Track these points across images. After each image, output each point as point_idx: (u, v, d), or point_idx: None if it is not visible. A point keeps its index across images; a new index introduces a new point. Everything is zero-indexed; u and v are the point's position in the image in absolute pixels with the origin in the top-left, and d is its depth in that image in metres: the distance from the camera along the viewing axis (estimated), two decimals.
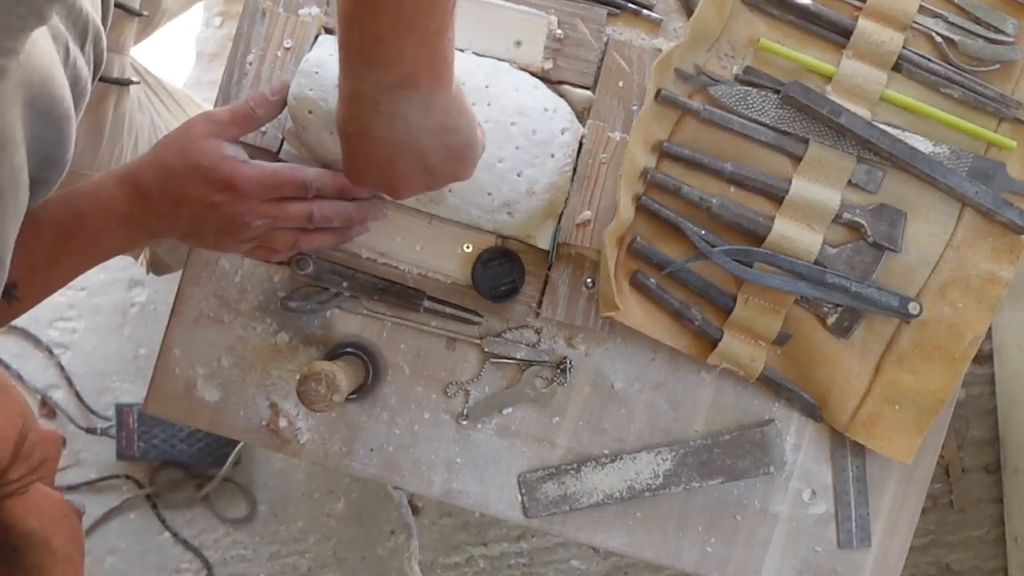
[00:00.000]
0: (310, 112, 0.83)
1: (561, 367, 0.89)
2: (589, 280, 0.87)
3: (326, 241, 0.82)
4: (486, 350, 0.89)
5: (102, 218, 0.74)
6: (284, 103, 0.81)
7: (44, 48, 0.63)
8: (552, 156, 0.85)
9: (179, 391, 0.90)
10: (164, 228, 0.77)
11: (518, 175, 0.84)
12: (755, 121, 0.86)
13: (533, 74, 0.87)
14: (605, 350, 0.90)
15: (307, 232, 0.80)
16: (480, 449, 0.90)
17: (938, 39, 0.86)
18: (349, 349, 0.86)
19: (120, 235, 0.76)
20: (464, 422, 0.90)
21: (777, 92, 0.86)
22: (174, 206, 0.75)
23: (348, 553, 1.71)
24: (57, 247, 0.74)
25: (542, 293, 0.88)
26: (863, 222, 0.85)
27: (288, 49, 0.88)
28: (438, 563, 1.70)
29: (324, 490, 1.71)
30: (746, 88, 0.86)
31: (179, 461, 1.66)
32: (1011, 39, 0.87)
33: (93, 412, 1.68)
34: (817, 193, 0.85)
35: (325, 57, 0.83)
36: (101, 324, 1.71)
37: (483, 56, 0.86)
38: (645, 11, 0.89)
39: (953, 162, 0.86)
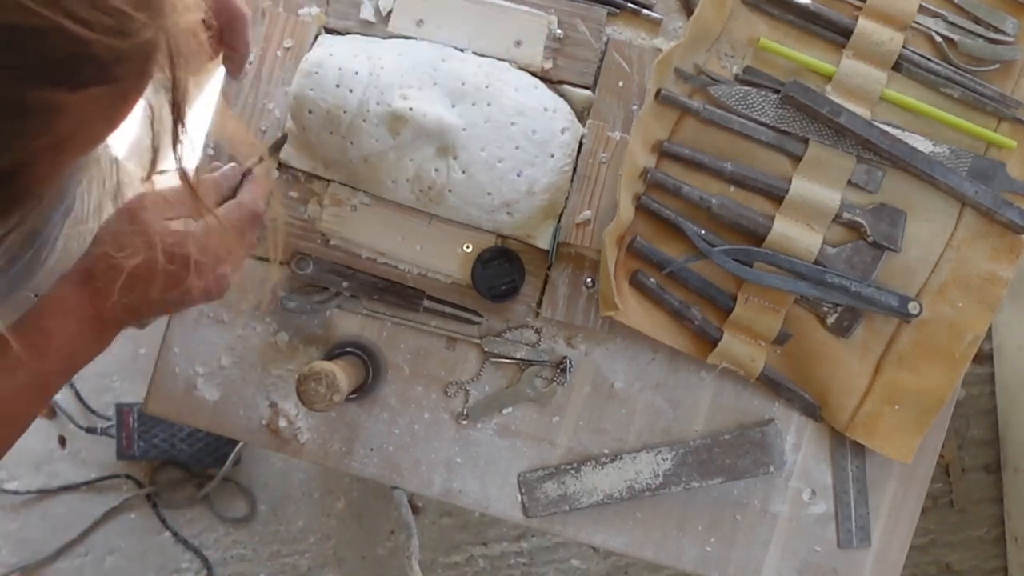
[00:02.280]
0: (310, 112, 0.83)
1: (561, 367, 0.89)
2: (589, 280, 0.87)
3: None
4: (486, 350, 0.89)
5: (67, 330, 0.70)
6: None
7: None
8: (552, 156, 0.85)
9: (179, 391, 0.90)
10: (137, 312, 0.72)
11: (518, 175, 0.84)
12: (755, 121, 0.86)
13: (533, 74, 0.87)
14: (605, 350, 0.90)
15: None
16: (480, 449, 0.90)
17: (938, 39, 0.86)
18: (349, 349, 0.86)
19: (92, 340, 0.71)
20: (464, 422, 0.90)
21: (777, 92, 0.86)
22: (133, 295, 0.70)
23: (348, 553, 1.71)
24: (22, 374, 0.68)
25: (542, 293, 0.88)
26: (863, 222, 0.85)
27: (288, 49, 0.88)
28: (438, 563, 1.70)
29: (324, 490, 1.71)
30: (746, 88, 0.86)
31: (179, 461, 1.66)
32: (1011, 39, 0.87)
33: (93, 412, 1.68)
34: (817, 193, 0.85)
35: (325, 57, 0.83)
36: None
37: (483, 56, 0.86)
38: (645, 11, 0.89)
39: (953, 162, 0.86)
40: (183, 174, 0.56)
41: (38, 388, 0.71)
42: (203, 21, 0.47)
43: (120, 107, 0.45)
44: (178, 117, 0.49)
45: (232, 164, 0.78)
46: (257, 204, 0.76)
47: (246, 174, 0.78)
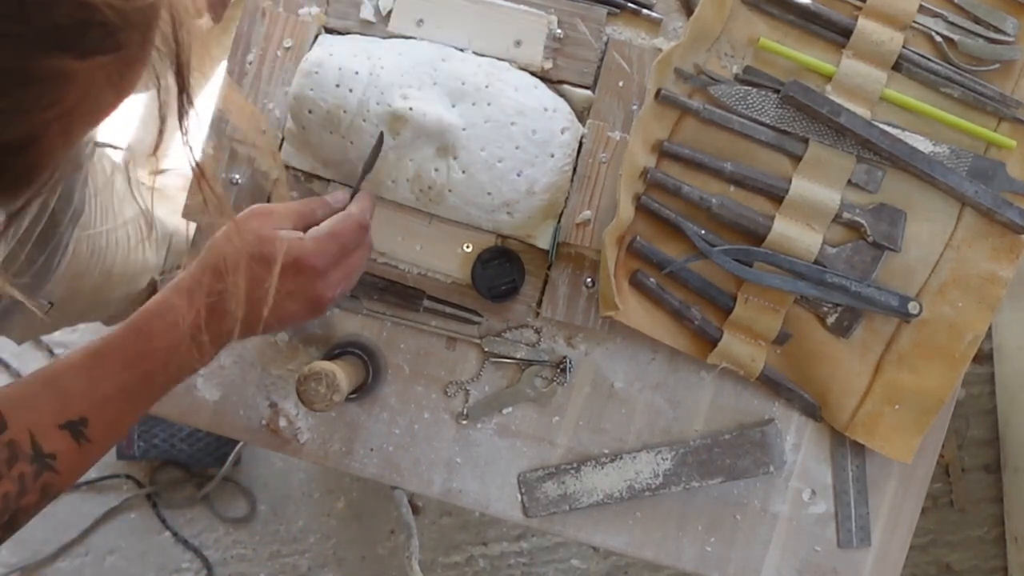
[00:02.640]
0: (310, 112, 0.83)
1: (561, 367, 0.89)
2: (589, 280, 0.87)
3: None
4: (486, 350, 0.89)
5: (171, 337, 0.69)
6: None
7: None
8: (552, 156, 0.85)
9: (179, 390, 0.89)
10: (242, 332, 0.71)
11: (518, 175, 0.84)
12: (755, 121, 0.86)
13: (533, 74, 0.87)
14: (605, 350, 0.90)
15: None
16: (480, 449, 0.90)
17: (938, 39, 0.86)
18: (349, 349, 0.86)
19: (191, 351, 0.70)
20: (464, 422, 0.90)
21: (777, 92, 0.86)
22: (247, 308, 0.69)
23: (348, 553, 1.71)
24: (125, 374, 0.69)
25: (542, 293, 0.88)
26: (863, 222, 0.85)
27: (288, 49, 0.88)
28: (438, 563, 1.70)
29: (324, 490, 1.71)
30: (746, 88, 0.86)
31: (179, 461, 1.66)
32: (1011, 38, 0.87)
33: None
34: (817, 193, 0.85)
35: (325, 57, 0.83)
36: (101, 324, 1.71)
37: (483, 56, 0.86)
38: (645, 11, 0.89)
39: (953, 162, 0.86)
40: (198, 171, 0.57)
41: (139, 393, 0.70)
42: None
43: (127, 75, 0.45)
44: (183, 85, 0.49)
45: (340, 192, 0.78)
46: (365, 216, 0.75)
47: (356, 192, 0.78)
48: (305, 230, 0.73)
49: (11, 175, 0.44)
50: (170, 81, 0.48)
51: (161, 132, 0.52)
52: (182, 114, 0.51)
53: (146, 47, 0.45)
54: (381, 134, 0.81)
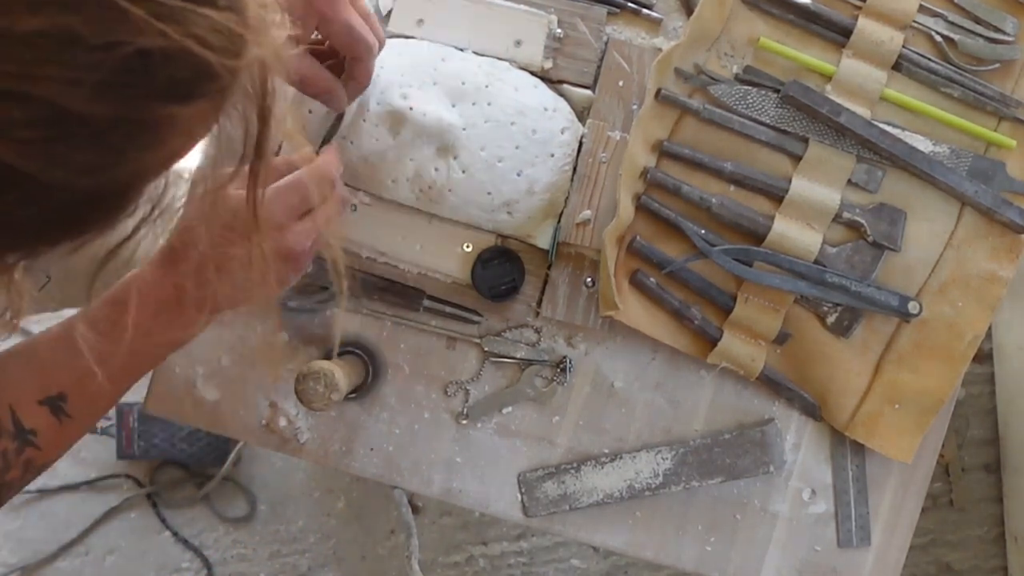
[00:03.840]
0: (310, 111, 0.84)
1: (561, 366, 0.89)
2: (589, 279, 0.87)
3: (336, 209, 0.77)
4: (486, 349, 0.89)
5: (150, 307, 0.68)
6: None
7: None
8: (552, 155, 0.85)
9: (179, 390, 0.90)
10: (221, 299, 0.70)
11: (518, 174, 0.84)
12: (755, 120, 0.86)
13: (533, 73, 0.87)
14: (605, 349, 0.90)
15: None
16: (480, 448, 0.90)
17: (938, 38, 0.86)
18: (349, 348, 0.86)
19: (173, 322, 0.69)
20: (464, 421, 0.90)
21: (777, 91, 0.86)
22: (218, 270, 0.68)
23: (348, 552, 1.71)
24: (105, 346, 0.67)
25: (542, 292, 0.88)
26: (863, 221, 0.85)
27: None
28: (438, 562, 1.70)
29: (324, 490, 1.71)
30: (746, 87, 0.86)
31: (179, 460, 1.66)
32: (1011, 38, 0.87)
33: None
34: (817, 192, 0.85)
35: None
36: None
37: (483, 55, 0.86)
38: (645, 10, 0.89)
39: (953, 161, 0.86)
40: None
41: (120, 367, 0.69)
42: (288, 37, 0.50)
43: (216, 117, 0.47)
44: (263, 127, 0.51)
45: (305, 150, 0.76)
46: (328, 167, 0.73)
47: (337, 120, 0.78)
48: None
49: (114, 209, 0.46)
50: (252, 119, 0.51)
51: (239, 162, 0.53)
52: (259, 154, 0.53)
53: (238, 94, 0.48)
54: (341, 114, 0.82)
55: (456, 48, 0.87)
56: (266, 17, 0.46)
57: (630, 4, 0.89)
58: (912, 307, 0.85)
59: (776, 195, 0.86)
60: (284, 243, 0.70)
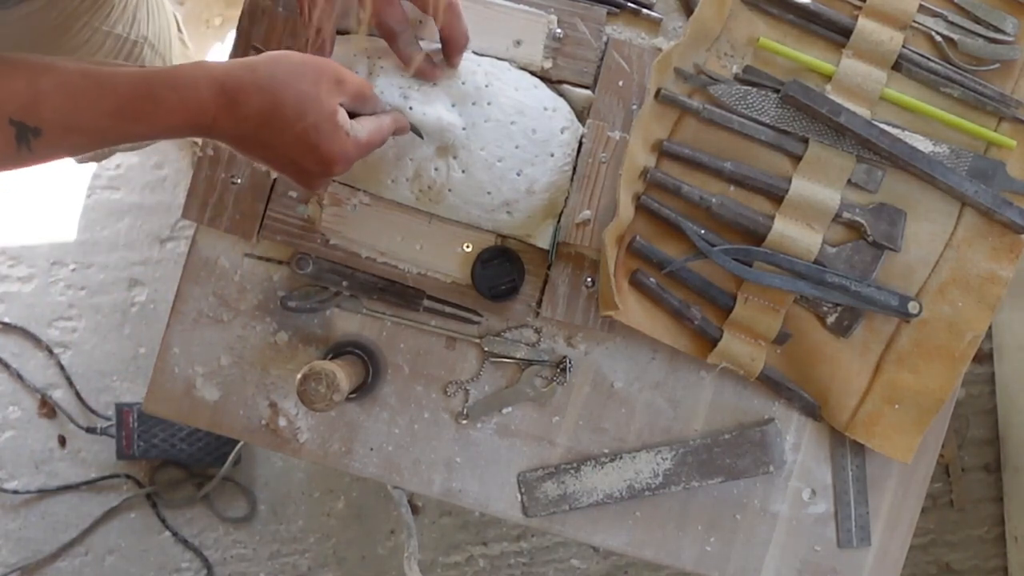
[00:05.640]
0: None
1: (561, 366, 0.89)
2: (589, 279, 0.87)
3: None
4: (486, 349, 0.89)
5: (179, 116, 0.67)
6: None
7: None
8: (552, 155, 0.85)
9: (179, 390, 0.90)
10: (238, 150, 0.72)
11: (518, 174, 0.84)
12: (755, 120, 0.86)
13: (533, 73, 0.87)
14: (605, 349, 0.90)
15: None
16: (480, 448, 0.90)
17: (938, 38, 0.86)
18: (349, 348, 0.86)
19: (185, 135, 0.69)
20: (464, 421, 0.90)
21: (777, 91, 0.86)
22: (264, 148, 0.70)
23: (348, 553, 1.71)
24: (110, 121, 0.65)
25: (542, 292, 0.88)
26: (863, 221, 0.85)
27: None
28: (438, 562, 1.70)
29: (324, 490, 1.71)
30: (746, 87, 0.86)
31: (179, 460, 1.66)
32: (1011, 38, 0.87)
33: (93, 411, 1.68)
34: (817, 192, 0.85)
35: None
36: (101, 324, 1.71)
37: (483, 55, 0.86)
38: (645, 10, 0.89)
39: (953, 161, 0.86)
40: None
41: (112, 141, 0.68)
42: None
43: None
44: None
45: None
46: (394, 130, 0.77)
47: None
48: (351, 113, 0.73)
49: None
50: None
51: None
52: None
53: None
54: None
55: None
56: None
57: (630, 4, 0.89)
58: (912, 307, 0.85)
59: (776, 195, 0.86)
60: (323, 177, 0.73)
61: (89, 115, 0.65)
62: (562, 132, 0.85)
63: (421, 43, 0.82)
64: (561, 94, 0.88)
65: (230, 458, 1.63)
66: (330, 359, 0.85)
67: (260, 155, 0.72)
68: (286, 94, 0.68)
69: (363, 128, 0.73)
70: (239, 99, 0.67)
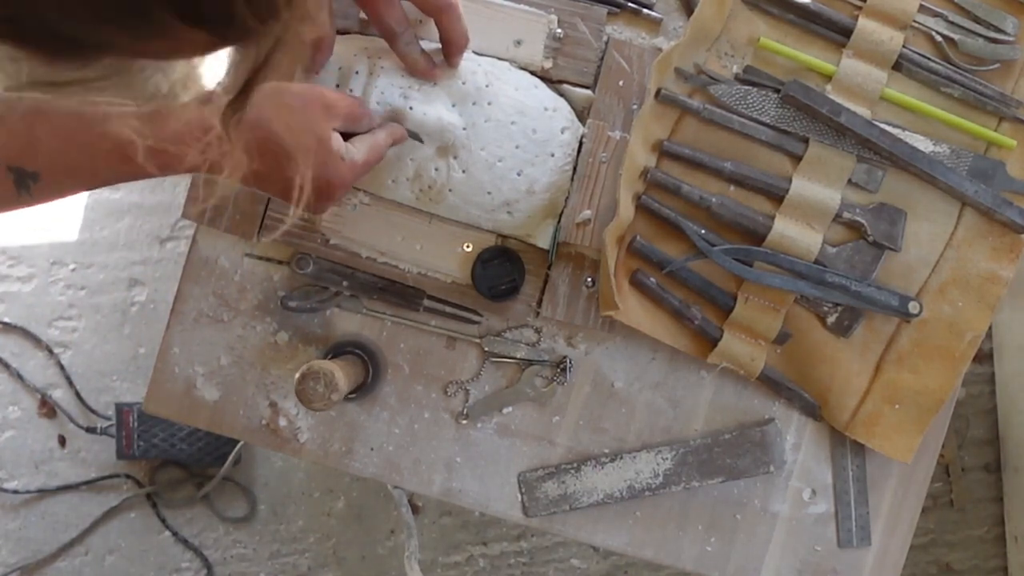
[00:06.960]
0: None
1: (561, 366, 0.89)
2: (589, 279, 0.87)
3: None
4: (486, 349, 0.89)
5: (172, 157, 0.66)
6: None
7: None
8: (552, 155, 0.85)
9: (179, 390, 0.90)
10: (237, 183, 0.73)
11: (518, 174, 0.84)
12: (755, 120, 0.86)
13: (533, 73, 0.87)
14: (605, 349, 0.89)
15: None
16: (480, 448, 0.90)
17: (938, 38, 0.86)
18: (349, 348, 0.86)
19: (180, 173, 0.69)
20: (464, 421, 0.89)
21: (777, 91, 0.86)
22: (262, 181, 0.70)
23: (348, 552, 1.71)
24: (107, 163, 0.66)
25: (542, 292, 0.88)
26: (863, 221, 0.85)
27: None
28: (438, 562, 1.70)
29: (324, 489, 1.71)
30: (746, 87, 0.86)
31: (179, 460, 1.66)
32: (1011, 38, 0.87)
33: (93, 411, 1.68)
34: (817, 192, 0.85)
35: None
36: (101, 323, 1.71)
37: (483, 55, 0.86)
38: (645, 10, 0.89)
39: (953, 161, 0.86)
40: None
41: (106, 182, 0.68)
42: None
43: (203, 53, 0.44)
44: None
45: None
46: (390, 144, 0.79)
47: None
48: (344, 134, 0.74)
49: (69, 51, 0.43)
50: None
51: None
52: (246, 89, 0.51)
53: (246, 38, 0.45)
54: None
55: None
56: (311, 10, 0.43)
57: (630, 4, 0.89)
58: (912, 307, 0.85)
59: (776, 195, 0.86)
60: (321, 206, 0.74)
61: (86, 158, 0.66)
62: (562, 132, 0.85)
63: (421, 43, 0.82)
64: (561, 94, 0.88)
65: (230, 458, 1.63)
66: (330, 359, 0.85)
67: (259, 187, 0.73)
68: (276, 129, 0.68)
69: (359, 150, 0.75)
70: (231, 138, 0.68)
